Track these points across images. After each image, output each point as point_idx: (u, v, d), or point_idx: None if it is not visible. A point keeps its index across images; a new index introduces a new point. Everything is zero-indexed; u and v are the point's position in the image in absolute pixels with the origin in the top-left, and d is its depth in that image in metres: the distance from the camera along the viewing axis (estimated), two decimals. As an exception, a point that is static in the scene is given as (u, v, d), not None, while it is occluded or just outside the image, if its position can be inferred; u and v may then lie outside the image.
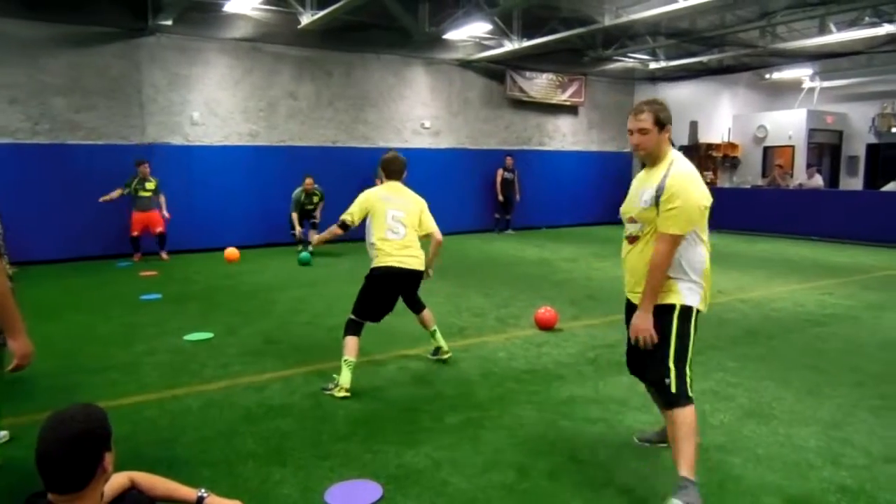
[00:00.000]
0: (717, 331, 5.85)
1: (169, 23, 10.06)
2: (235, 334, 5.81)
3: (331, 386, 4.25)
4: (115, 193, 9.93)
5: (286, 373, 4.71)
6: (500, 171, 14.17)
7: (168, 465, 3.14)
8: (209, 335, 5.74)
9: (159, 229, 10.23)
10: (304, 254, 10.08)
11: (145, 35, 10.51)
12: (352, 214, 4.49)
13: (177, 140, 11.08)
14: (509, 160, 14.21)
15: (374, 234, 4.46)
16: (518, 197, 14.33)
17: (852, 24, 11.63)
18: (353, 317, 4.46)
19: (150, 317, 6.50)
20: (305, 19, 10.33)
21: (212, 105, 11.35)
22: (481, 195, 14.48)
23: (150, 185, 10.09)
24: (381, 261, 4.45)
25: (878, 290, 7.75)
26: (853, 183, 17.80)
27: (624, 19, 10.55)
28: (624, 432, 3.62)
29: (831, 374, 4.62)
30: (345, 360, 4.24)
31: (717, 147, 18.02)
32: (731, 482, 3.04)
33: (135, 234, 10.13)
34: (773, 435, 3.57)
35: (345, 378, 4.19)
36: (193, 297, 7.47)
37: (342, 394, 4.14)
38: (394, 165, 4.66)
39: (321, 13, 9.97)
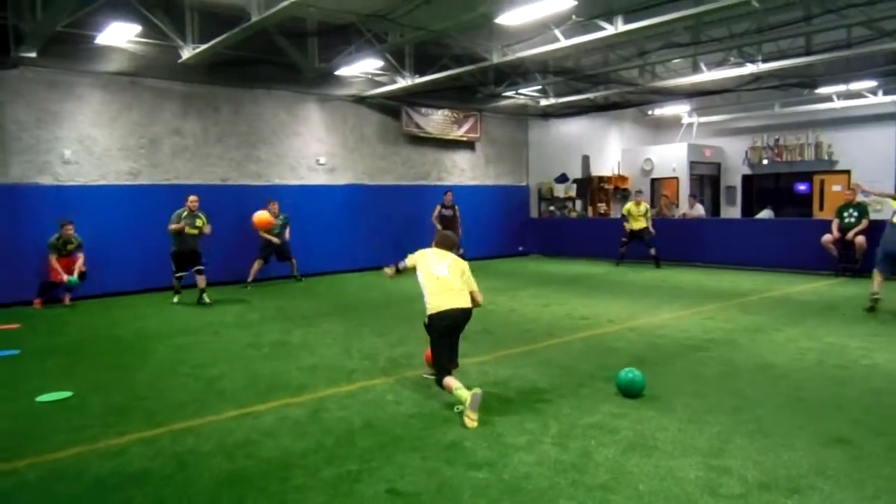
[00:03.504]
0: (604, 361, 5.89)
1: (33, 55, 9.35)
2: (100, 392, 5.28)
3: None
4: (55, 264, 9.56)
5: (152, 433, 4.28)
6: (437, 207, 13.63)
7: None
8: (67, 394, 5.18)
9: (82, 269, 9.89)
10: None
11: (7, 68, 9.73)
12: None
13: (46, 180, 10.25)
14: (449, 195, 13.72)
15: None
16: (460, 232, 12.95)
17: (720, 64, 12.48)
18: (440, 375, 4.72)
19: None
20: (186, 53, 9.91)
21: (86, 142, 10.62)
22: (379, 231, 14.28)
23: (71, 247, 9.76)
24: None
25: (754, 313, 8.14)
26: (732, 211, 19.04)
27: (510, 57, 10.82)
28: (508, 476, 3.48)
29: (712, 400, 4.71)
30: (455, 389, 4.45)
31: (608, 179, 18.82)
32: (612, 523, 2.95)
33: (58, 279, 9.60)
34: (656, 468, 3.54)
35: (463, 394, 4.36)
36: (57, 351, 6.81)
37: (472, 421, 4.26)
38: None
39: (203, 47, 9.60)
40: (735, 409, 4.52)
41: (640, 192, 14.78)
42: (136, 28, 9.17)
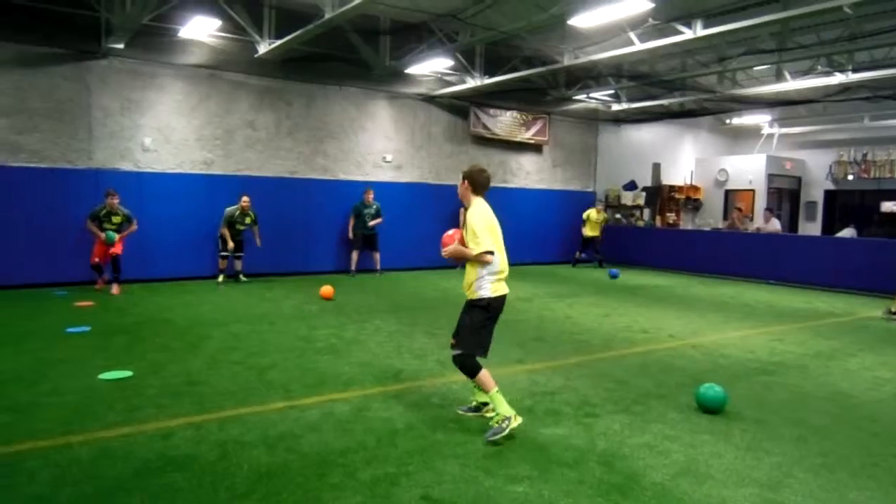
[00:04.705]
0: (663, 378, 5.66)
1: (121, 46, 9.81)
2: (158, 373, 5.44)
3: (504, 426, 4.05)
4: (93, 227, 9.60)
5: (200, 418, 4.37)
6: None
7: (31, 529, 2.80)
8: (128, 374, 5.37)
9: (116, 251, 9.64)
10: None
11: (97, 58, 10.23)
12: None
13: (126, 166, 10.73)
14: None
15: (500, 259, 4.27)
16: None
17: (807, 72, 11.85)
18: (472, 354, 4.24)
19: (69, 351, 6.11)
20: (263, 48, 10.17)
21: (165, 131, 11.05)
22: (442, 231, 14.25)
23: (117, 220, 9.73)
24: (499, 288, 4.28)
25: (829, 337, 7.67)
26: (812, 228, 18.10)
27: (582, 60, 10.60)
28: (547, 493, 3.35)
29: (774, 428, 4.43)
30: (495, 392, 4.16)
31: (679, 189, 18.22)
32: (654, 554, 2.80)
33: (96, 260, 9.73)
34: (706, 497, 3.35)
35: (505, 406, 4.11)
36: (123, 331, 7.08)
37: (518, 421, 4.09)
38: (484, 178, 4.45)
39: (278, 42, 9.83)
40: (799, 439, 4.24)
41: (601, 200, 16.35)
42: (216, 23, 9.50)
